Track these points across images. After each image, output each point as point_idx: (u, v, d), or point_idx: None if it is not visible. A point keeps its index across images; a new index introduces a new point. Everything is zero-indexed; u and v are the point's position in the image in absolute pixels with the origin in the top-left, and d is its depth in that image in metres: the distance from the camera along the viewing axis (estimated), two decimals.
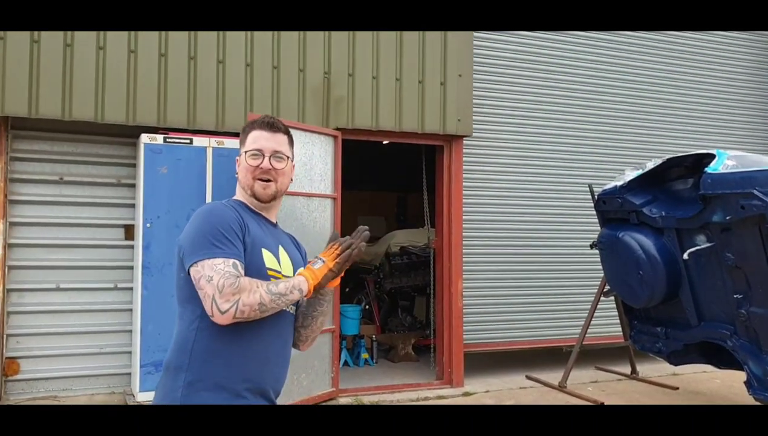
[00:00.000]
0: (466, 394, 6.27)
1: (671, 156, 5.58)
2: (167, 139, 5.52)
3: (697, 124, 7.97)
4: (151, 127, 5.57)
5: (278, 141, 2.11)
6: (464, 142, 6.68)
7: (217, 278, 1.82)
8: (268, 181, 2.08)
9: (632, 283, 5.66)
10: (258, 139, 2.09)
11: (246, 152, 2.09)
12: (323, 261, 2.01)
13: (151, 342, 5.43)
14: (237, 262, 1.89)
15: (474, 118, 6.69)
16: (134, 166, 5.86)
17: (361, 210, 11.10)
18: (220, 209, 1.99)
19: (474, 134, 6.68)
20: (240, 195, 2.14)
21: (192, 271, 1.88)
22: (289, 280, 1.96)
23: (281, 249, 2.10)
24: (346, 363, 7.19)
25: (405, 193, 13.48)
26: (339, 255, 2.01)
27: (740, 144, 7.89)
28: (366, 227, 2.07)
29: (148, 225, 5.45)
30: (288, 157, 2.13)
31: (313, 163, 5.82)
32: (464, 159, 6.70)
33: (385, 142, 6.92)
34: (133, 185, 5.87)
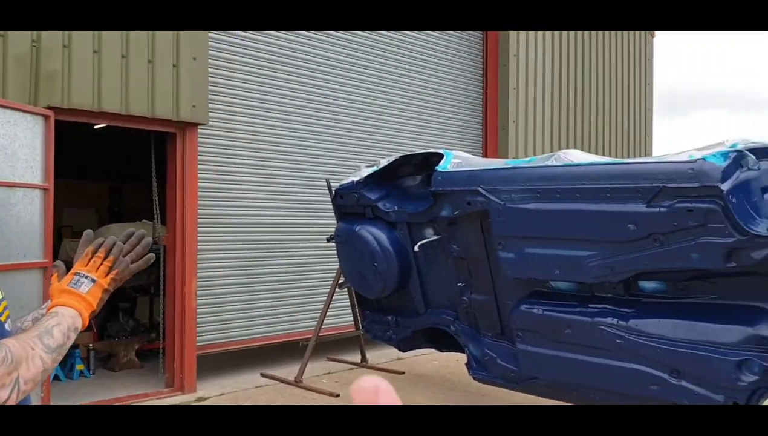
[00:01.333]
0: (200, 399, 5.90)
1: (402, 154, 5.89)
2: None
3: (423, 122, 8.58)
4: None
5: None
6: (199, 130, 6.24)
7: None
8: None
9: (367, 275, 5.84)
10: None
11: None
12: (92, 280, 1.45)
13: None
14: None
15: (210, 106, 6.29)
16: None
17: (66, 201, 9.84)
18: None
19: (210, 123, 6.29)
20: None
21: None
22: (61, 320, 1.39)
23: None
24: (56, 377, 6.26)
25: (119, 184, 12.35)
26: (111, 268, 1.48)
27: (458, 142, 8.69)
28: (143, 232, 1.58)
29: None
30: None
31: (15, 148, 4.90)
32: (199, 149, 6.27)
33: (99, 125, 6.16)
34: None
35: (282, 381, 6.41)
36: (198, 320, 6.24)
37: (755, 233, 3.70)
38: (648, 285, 4.40)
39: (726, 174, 3.79)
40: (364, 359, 7.06)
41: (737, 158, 3.84)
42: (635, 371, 4.30)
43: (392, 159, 5.82)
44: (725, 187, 3.76)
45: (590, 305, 4.59)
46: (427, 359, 7.33)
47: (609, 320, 4.43)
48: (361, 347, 7.03)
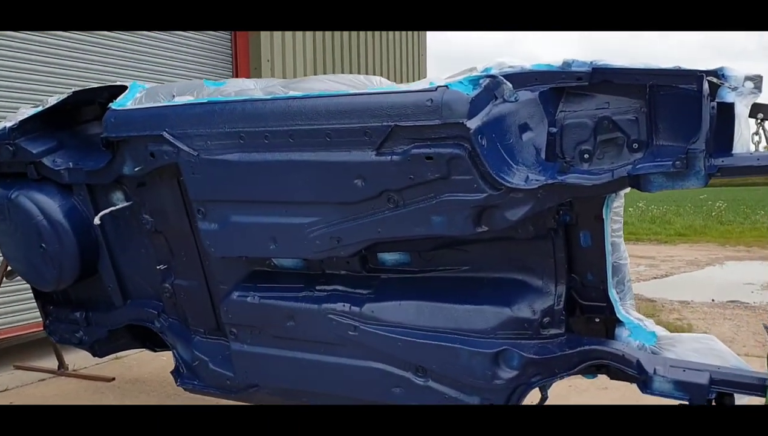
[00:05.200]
0: None
1: (79, 89, 4.26)
2: None
3: (160, 57, 6.85)
4: None
5: None
6: None
7: None
8: None
9: (34, 259, 4.21)
10: None
11: None
12: None
13: None
14: None
15: None
16: None
17: None
18: None
19: None
20: None
21: None
22: None
23: None
24: None
25: None
26: None
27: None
28: None
29: None
30: None
31: None
32: None
33: None
34: None
35: None
36: None
37: (511, 185, 2.73)
38: (389, 258, 3.34)
39: (475, 107, 2.76)
40: (62, 364, 5.38)
41: (490, 87, 2.84)
42: (373, 370, 3.27)
43: (65, 96, 4.17)
44: (473, 124, 2.73)
45: (318, 288, 3.46)
46: (153, 356, 5.80)
47: (340, 306, 3.33)
48: (56, 349, 5.33)
